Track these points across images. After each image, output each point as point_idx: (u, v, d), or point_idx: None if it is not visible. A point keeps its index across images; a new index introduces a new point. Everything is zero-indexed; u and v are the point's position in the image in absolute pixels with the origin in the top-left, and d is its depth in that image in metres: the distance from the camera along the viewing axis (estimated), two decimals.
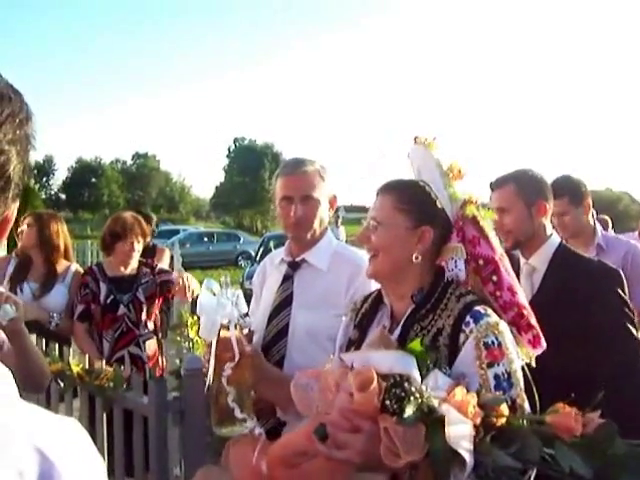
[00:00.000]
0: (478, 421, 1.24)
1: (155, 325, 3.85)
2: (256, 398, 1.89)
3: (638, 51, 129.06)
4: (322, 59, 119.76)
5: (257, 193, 52.11)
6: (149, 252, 4.78)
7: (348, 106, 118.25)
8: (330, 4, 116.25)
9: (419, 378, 1.31)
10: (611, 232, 5.49)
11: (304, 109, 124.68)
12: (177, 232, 23.79)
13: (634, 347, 2.21)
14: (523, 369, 1.48)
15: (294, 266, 2.26)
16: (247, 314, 1.82)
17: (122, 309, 3.62)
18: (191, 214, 65.06)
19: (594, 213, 3.50)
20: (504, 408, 1.29)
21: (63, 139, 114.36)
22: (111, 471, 2.97)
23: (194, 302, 5.47)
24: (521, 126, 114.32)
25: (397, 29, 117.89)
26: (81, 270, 3.97)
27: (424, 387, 1.29)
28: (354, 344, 1.69)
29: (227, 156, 58.40)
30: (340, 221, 8.35)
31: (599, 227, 3.47)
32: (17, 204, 0.75)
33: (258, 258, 13.44)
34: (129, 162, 67.64)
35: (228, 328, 1.72)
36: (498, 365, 1.42)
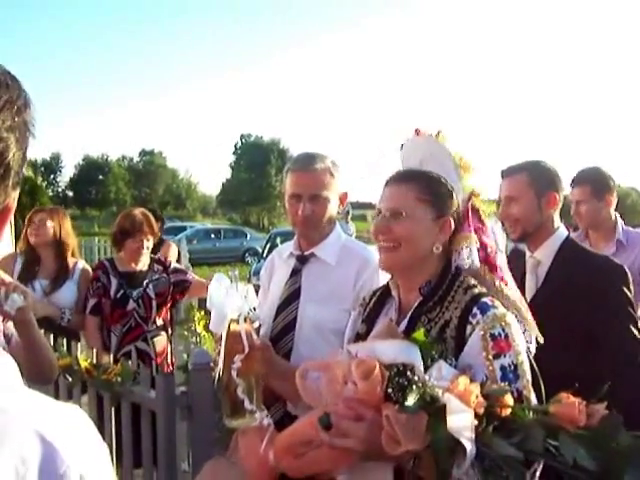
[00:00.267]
0: (481, 411, 1.24)
1: (165, 322, 3.85)
2: (265, 390, 1.89)
3: None
4: (324, 57, 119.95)
5: (264, 189, 52.16)
6: (156, 246, 4.78)
7: (352, 102, 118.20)
8: (330, 4, 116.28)
9: (422, 368, 1.31)
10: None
11: (310, 105, 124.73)
12: (184, 229, 23.87)
13: (633, 349, 2.14)
14: (530, 362, 1.47)
15: (303, 260, 2.26)
16: (256, 307, 1.82)
17: (131, 304, 3.63)
18: (198, 211, 65.12)
19: None
20: (509, 399, 1.29)
21: (70, 137, 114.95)
22: (119, 464, 2.99)
23: (200, 298, 5.47)
24: (528, 122, 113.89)
25: (396, 29, 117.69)
26: (88, 267, 3.99)
27: (427, 377, 1.29)
28: (361, 338, 1.70)
29: (233, 153, 58.39)
30: (350, 217, 8.33)
31: (621, 222, 3.41)
32: (17, 192, 0.74)
33: (265, 254, 13.44)
34: (136, 159, 67.85)
35: (238, 321, 1.73)
36: (504, 356, 1.42)
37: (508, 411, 1.27)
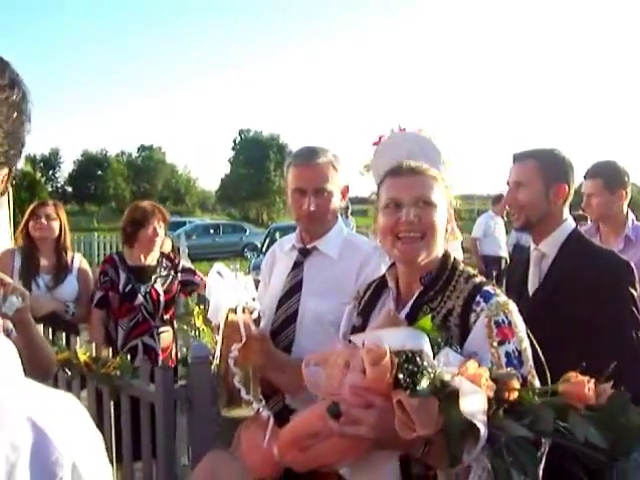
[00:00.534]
0: (491, 394, 1.25)
1: (171, 318, 3.85)
2: (263, 382, 1.89)
3: None
4: (323, 56, 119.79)
5: (263, 185, 52.01)
6: None
7: (351, 98, 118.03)
8: (330, 3, 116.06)
9: (431, 354, 1.31)
10: None
11: (309, 101, 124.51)
12: (183, 224, 23.80)
13: (633, 349, 2.08)
14: (534, 347, 1.47)
15: (305, 253, 2.25)
16: (255, 298, 1.82)
17: (139, 299, 3.62)
18: (197, 206, 65.05)
19: None
20: (516, 383, 1.31)
21: (69, 133, 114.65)
22: (119, 458, 2.99)
23: (199, 293, 5.48)
24: (531, 118, 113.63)
25: (396, 29, 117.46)
26: (84, 260, 4.00)
27: (436, 362, 1.30)
28: (358, 331, 1.70)
29: (232, 148, 58.18)
30: (350, 211, 8.30)
31: (632, 218, 3.35)
32: (4, 173, 0.73)
33: (264, 249, 13.44)
34: (135, 155, 67.67)
35: (236, 311, 1.72)
36: (509, 343, 1.45)
37: (515, 394, 1.29)
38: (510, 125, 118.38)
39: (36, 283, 3.70)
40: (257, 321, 1.87)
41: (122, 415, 2.92)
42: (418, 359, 1.26)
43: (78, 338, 3.38)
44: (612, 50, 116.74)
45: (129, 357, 3.09)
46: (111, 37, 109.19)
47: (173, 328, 3.87)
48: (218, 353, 1.72)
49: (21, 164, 0.72)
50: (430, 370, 1.25)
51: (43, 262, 3.79)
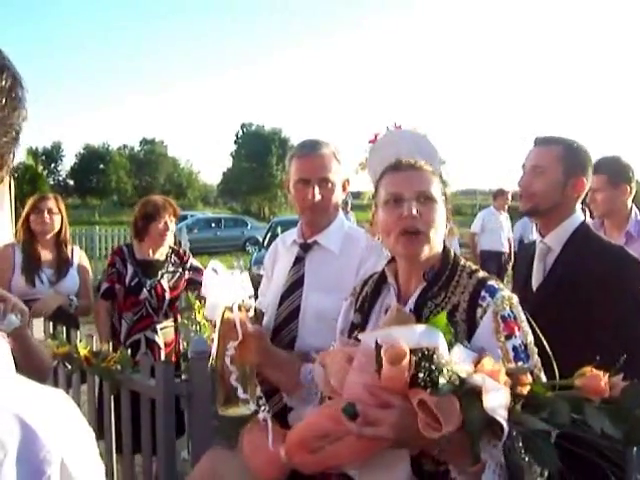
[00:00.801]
0: (508, 390, 1.25)
1: (174, 313, 3.85)
2: (264, 382, 1.87)
3: None
4: (323, 55, 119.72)
5: (264, 179, 51.96)
6: None
7: (352, 94, 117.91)
8: (329, 3, 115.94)
9: (447, 351, 1.30)
10: None
11: (311, 96, 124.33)
12: (185, 218, 23.75)
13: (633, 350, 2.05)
14: (542, 341, 1.45)
15: (306, 248, 2.23)
16: (251, 296, 1.80)
17: (145, 293, 3.61)
18: (199, 200, 64.93)
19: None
20: (528, 377, 1.31)
21: (71, 126, 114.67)
22: (119, 452, 2.99)
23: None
24: (534, 114, 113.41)
25: (394, 27, 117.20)
26: (83, 253, 4.01)
27: (452, 359, 1.29)
28: (357, 328, 1.69)
29: (235, 142, 58.06)
30: (350, 206, 8.25)
31: (636, 213, 3.32)
32: None
33: (265, 244, 13.42)
34: (137, 148, 67.57)
35: (232, 309, 1.70)
36: (515, 337, 1.45)
37: (527, 389, 1.29)
38: (512, 121, 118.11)
39: (39, 278, 3.69)
40: (258, 319, 1.85)
41: (122, 410, 2.91)
42: (435, 357, 1.25)
43: (78, 332, 3.37)
44: (614, 45, 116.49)
45: (131, 351, 3.09)
46: (112, 32, 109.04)
47: (176, 323, 3.86)
48: (215, 351, 1.70)
49: (22, 156, 0.70)
50: (448, 368, 1.24)
51: (44, 256, 3.78)
